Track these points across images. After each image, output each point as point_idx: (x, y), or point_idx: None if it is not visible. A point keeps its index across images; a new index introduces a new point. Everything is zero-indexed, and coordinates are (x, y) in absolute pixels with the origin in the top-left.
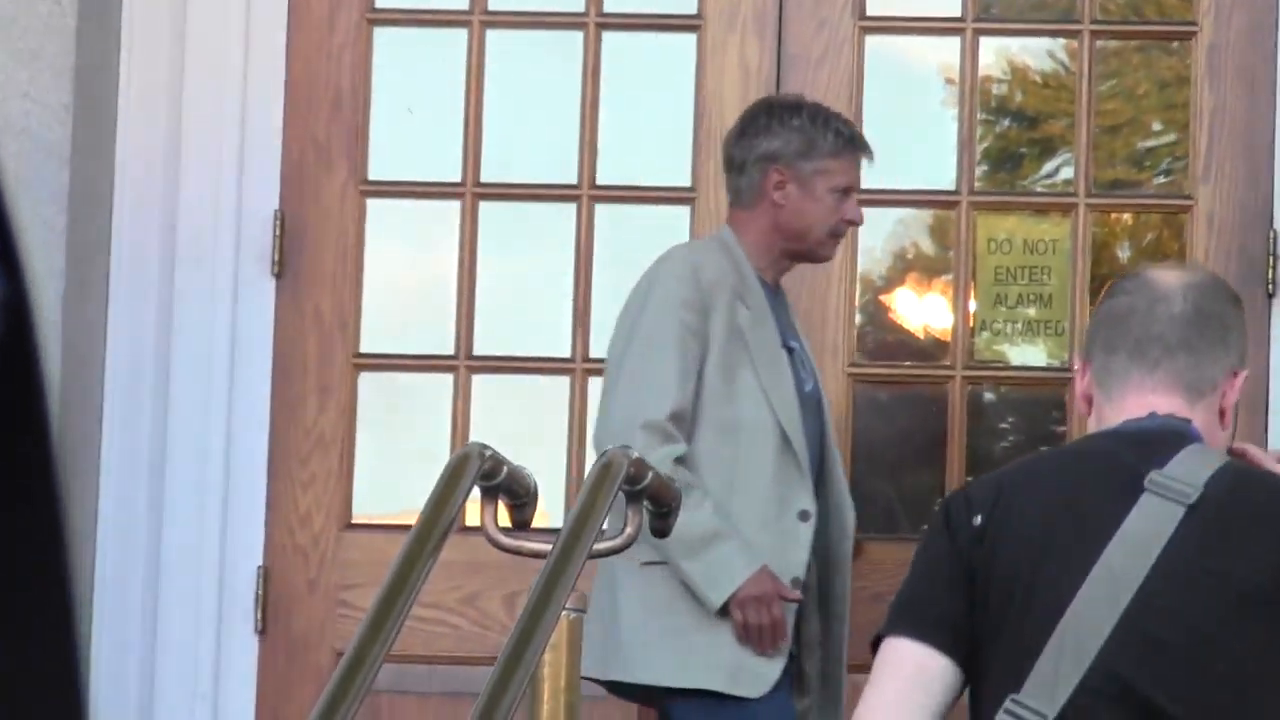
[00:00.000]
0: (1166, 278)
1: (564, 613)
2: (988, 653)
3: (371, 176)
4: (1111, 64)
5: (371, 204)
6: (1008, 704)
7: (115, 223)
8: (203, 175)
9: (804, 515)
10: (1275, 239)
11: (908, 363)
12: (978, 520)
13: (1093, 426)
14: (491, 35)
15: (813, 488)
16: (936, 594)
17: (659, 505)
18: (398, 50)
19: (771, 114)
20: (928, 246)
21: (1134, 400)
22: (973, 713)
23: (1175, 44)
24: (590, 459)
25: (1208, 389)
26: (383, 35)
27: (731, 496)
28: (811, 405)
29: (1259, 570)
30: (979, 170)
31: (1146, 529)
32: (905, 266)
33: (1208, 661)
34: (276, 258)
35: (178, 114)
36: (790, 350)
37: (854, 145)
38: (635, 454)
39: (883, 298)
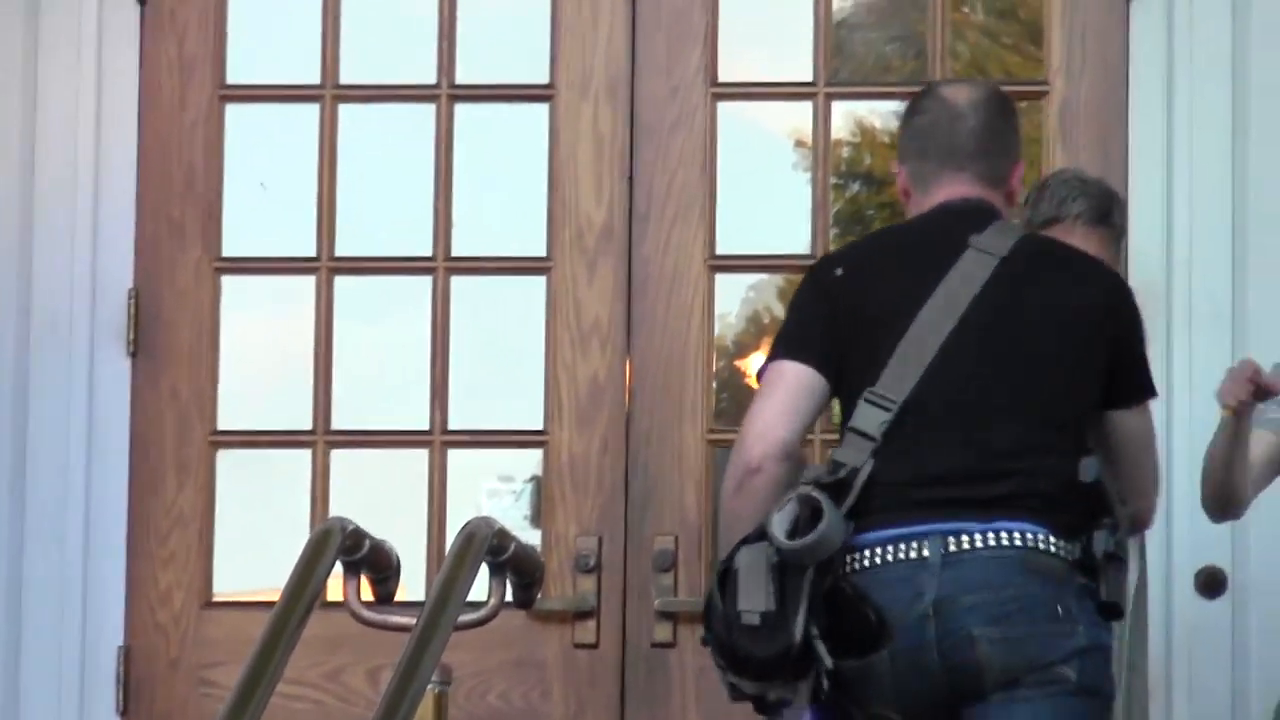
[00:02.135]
0: (958, 96)
1: (430, 686)
2: (849, 364)
3: (226, 253)
4: None
5: (226, 280)
6: (866, 394)
7: None
8: (57, 254)
9: None
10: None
11: None
12: (839, 271)
13: (911, 215)
14: (344, 109)
15: None
16: (808, 327)
17: (522, 576)
18: (250, 126)
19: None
20: (782, 311)
21: (947, 191)
22: (843, 405)
23: (1024, 104)
24: (453, 530)
25: (1000, 181)
26: (235, 111)
27: None
28: None
29: (1055, 301)
30: (831, 234)
31: (969, 273)
32: (760, 331)
33: (1015, 357)
34: (132, 336)
35: (29, 193)
36: None
37: (1066, 209)
38: (498, 524)
39: (738, 363)
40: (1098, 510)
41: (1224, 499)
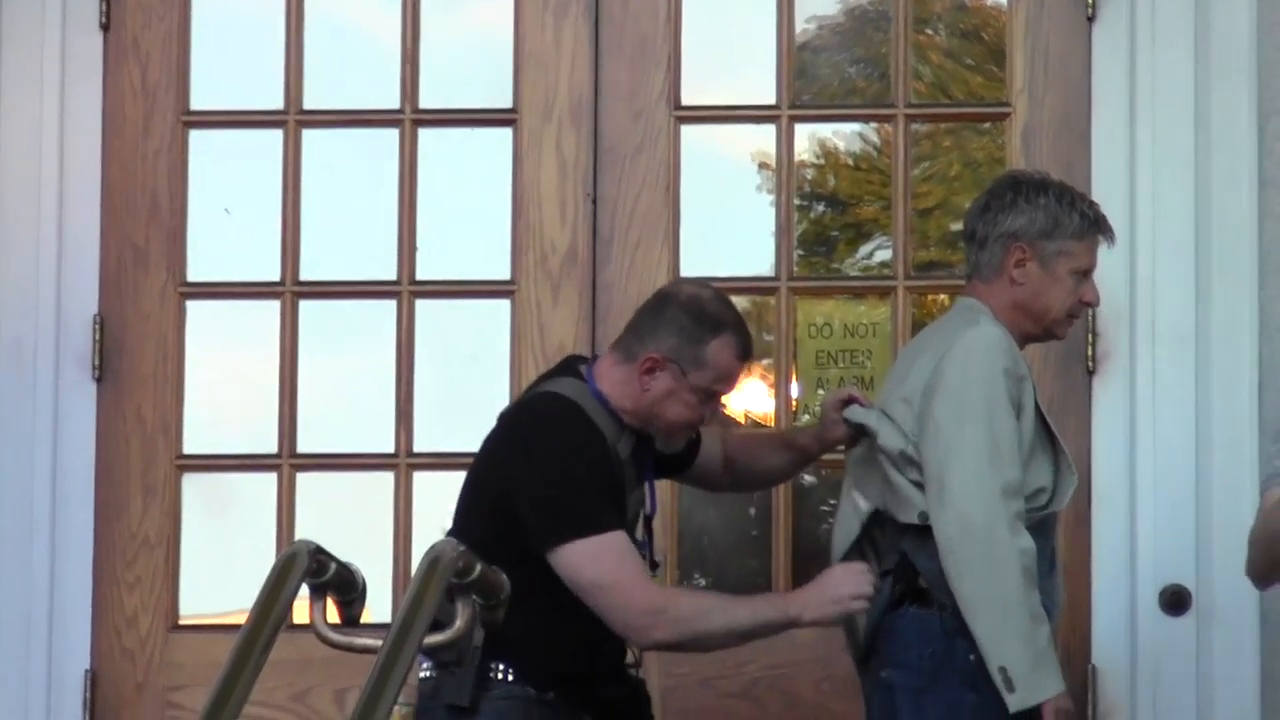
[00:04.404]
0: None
1: (396, 706)
2: None
3: (190, 278)
4: (924, 147)
5: (191, 305)
6: None
7: None
8: (21, 281)
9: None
10: (1093, 317)
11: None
12: None
13: None
14: (307, 134)
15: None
16: None
17: (488, 597)
18: (213, 152)
19: (1018, 191)
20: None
21: None
22: None
23: (987, 125)
24: (418, 552)
25: (631, 359)
26: (198, 137)
27: None
28: None
29: (477, 467)
30: (796, 255)
31: None
32: None
33: (457, 513)
34: (97, 361)
35: None
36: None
37: (1097, 228)
38: (460, 549)
39: None
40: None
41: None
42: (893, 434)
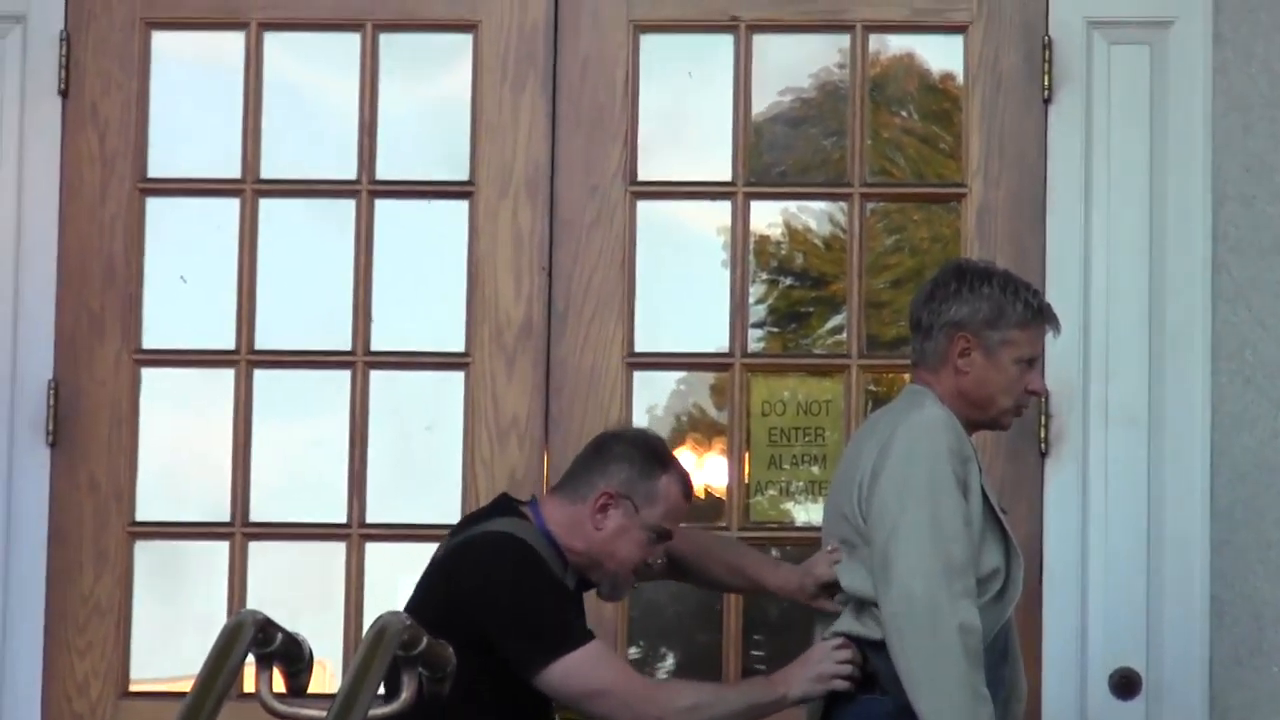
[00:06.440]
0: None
1: None
2: None
3: (145, 345)
4: (894, 219)
5: (146, 373)
6: None
7: None
8: None
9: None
10: (1046, 399)
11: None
12: None
13: None
14: (264, 203)
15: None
16: None
17: (434, 670)
18: (170, 219)
19: (962, 280)
20: (709, 407)
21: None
22: None
23: (953, 202)
24: (368, 623)
25: (580, 499)
26: (155, 205)
27: None
28: None
29: (429, 596)
30: (763, 330)
31: None
32: (686, 427)
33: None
34: (51, 427)
35: None
36: (1004, 512)
37: (1042, 316)
38: (407, 621)
39: None
40: None
41: None
42: (855, 577)
